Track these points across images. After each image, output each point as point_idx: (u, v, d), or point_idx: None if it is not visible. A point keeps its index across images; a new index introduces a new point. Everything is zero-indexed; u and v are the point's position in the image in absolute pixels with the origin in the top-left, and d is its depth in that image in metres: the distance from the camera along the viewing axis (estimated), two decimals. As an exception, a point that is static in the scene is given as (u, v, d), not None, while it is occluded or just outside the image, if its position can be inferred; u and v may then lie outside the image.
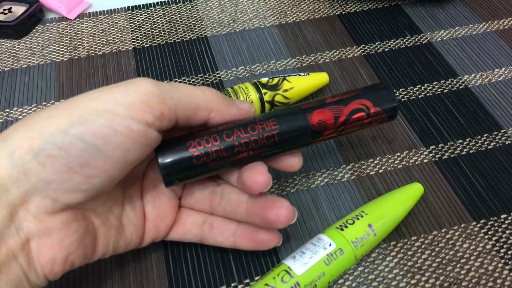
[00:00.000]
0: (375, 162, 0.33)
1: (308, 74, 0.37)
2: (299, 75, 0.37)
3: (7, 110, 0.37)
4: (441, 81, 0.39)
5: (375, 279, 0.28)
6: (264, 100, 0.34)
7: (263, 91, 0.35)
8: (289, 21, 0.45)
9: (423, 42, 0.42)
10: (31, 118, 0.21)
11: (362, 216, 0.28)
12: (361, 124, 0.26)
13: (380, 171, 0.33)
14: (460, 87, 0.39)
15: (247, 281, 0.28)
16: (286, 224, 0.25)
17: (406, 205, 0.29)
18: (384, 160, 0.34)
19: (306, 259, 0.26)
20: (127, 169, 0.22)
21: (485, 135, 0.35)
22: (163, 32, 0.44)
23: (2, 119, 0.36)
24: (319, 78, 0.37)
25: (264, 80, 0.35)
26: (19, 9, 0.43)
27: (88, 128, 0.20)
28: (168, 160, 0.23)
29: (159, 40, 0.43)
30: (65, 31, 0.44)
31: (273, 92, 0.35)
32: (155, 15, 0.45)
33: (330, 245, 0.26)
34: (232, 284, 0.28)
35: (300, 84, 0.36)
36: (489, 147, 0.34)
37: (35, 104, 0.37)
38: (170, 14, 0.46)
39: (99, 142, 0.20)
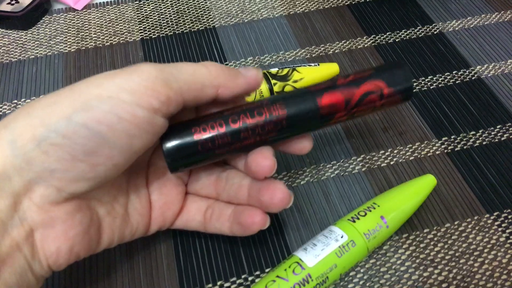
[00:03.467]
0: (386, 153, 0.33)
1: (318, 65, 0.36)
2: (309, 65, 0.36)
3: (15, 101, 0.37)
4: (453, 72, 0.38)
5: (387, 272, 0.27)
6: (273, 91, 0.34)
7: (273, 81, 0.34)
8: (298, 11, 0.44)
9: (435, 32, 0.42)
10: (32, 105, 0.20)
11: (374, 208, 0.27)
12: (373, 106, 0.24)
13: (392, 163, 0.32)
14: (473, 78, 0.38)
15: (257, 273, 0.27)
16: (281, 207, 0.24)
17: (419, 197, 0.29)
18: (395, 151, 0.33)
19: (317, 251, 0.25)
20: (133, 157, 0.22)
21: (498, 127, 0.34)
22: (170, 23, 0.43)
23: (10, 110, 0.36)
24: (329, 69, 0.37)
25: (273, 70, 0.35)
26: (26, 0, 0.43)
27: (91, 115, 0.19)
28: (172, 146, 0.22)
29: (166, 31, 0.42)
30: (72, 22, 0.43)
31: (283, 82, 0.34)
32: (163, 5, 0.45)
33: (342, 237, 0.26)
34: (243, 276, 0.27)
35: (310, 75, 0.35)
36: (502, 138, 0.34)
37: (43, 95, 0.37)
38: (178, 4, 0.45)
39: (104, 130, 0.20)
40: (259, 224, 0.25)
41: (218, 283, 0.27)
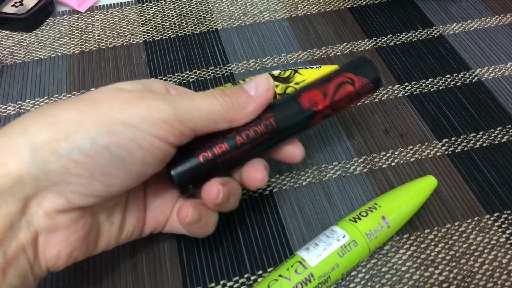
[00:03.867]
0: (388, 155, 0.33)
1: (320, 67, 0.37)
2: (310, 67, 0.36)
3: (19, 102, 0.37)
4: (454, 74, 0.39)
5: (388, 272, 0.28)
6: (275, 93, 0.34)
7: (275, 83, 0.34)
8: (299, 14, 0.45)
9: (435, 35, 0.42)
10: (54, 116, 0.21)
11: (375, 209, 0.28)
12: (350, 95, 0.27)
13: (393, 164, 0.33)
14: (473, 80, 0.38)
15: (260, 272, 0.28)
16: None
17: (420, 198, 0.29)
18: (396, 153, 0.33)
19: (319, 250, 0.26)
20: (142, 181, 0.23)
21: (498, 129, 0.35)
22: (173, 25, 0.44)
23: (15, 111, 0.36)
24: (331, 71, 0.37)
25: (276, 72, 0.35)
26: (30, 2, 0.44)
27: (115, 140, 0.20)
28: (179, 170, 0.23)
29: (169, 33, 0.43)
30: (76, 24, 0.44)
31: (285, 84, 0.35)
32: (166, 8, 0.45)
33: (343, 237, 0.26)
34: (245, 275, 0.28)
35: (312, 77, 0.36)
36: (502, 140, 0.34)
37: (47, 96, 0.37)
38: (181, 7, 0.45)
39: (124, 155, 0.21)
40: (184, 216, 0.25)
41: (221, 282, 0.27)
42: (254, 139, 0.24)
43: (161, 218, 0.26)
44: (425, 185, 0.30)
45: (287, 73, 0.35)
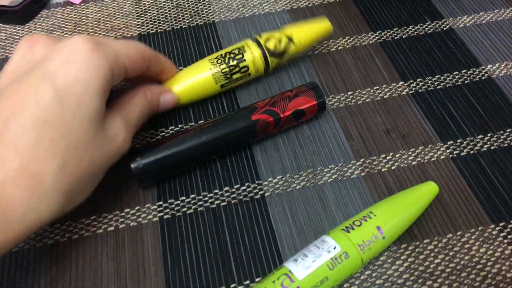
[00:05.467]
0: (388, 157, 0.32)
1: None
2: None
3: (9, 98, 0.36)
4: (462, 71, 0.36)
5: (383, 284, 0.26)
6: (267, 58, 0.34)
7: (270, 59, 0.34)
8: (301, 6, 0.42)
9: (444, 29, 0.40)
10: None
11: (370, 218, 0.26)
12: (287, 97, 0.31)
13: (393, 167, 0.31)
14: (483, 78, 0.36)
15: (247, 282, 0.26)
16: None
17: (419, 206, 0.27)
18: (397, 156, 0.32)
19: (308, 262, 0.24)
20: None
21: (508, 130, 0.33)
22: (169, 17, 0.42)
23: (3, 108, 0.35)
24: (321, 27, 0.36)
25: (270, 44, 0.34)
26: (23, -6, 0.42)
27: None
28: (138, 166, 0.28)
29: (165, 26, 0.41)
30: (70, 16, 0.43)
31: (280, 59, 0.34)
32: (162, -1, 0.44)
33: (334, 248, 0.25)
34: (232, 285, 0.26)
35: (305, 40, 0.35)
36: (512, 143, 0.32)
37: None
38: (178, -2, 0.44)
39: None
40: None
41: (206, 292, 0.26)
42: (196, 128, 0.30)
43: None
44: (425, 193, 0.28)
45: (282, 45, 0.34)
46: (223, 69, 0.33)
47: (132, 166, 0.28)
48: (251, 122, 0.30)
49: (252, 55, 0.33)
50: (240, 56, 0.33)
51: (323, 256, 0.24)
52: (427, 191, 0.28)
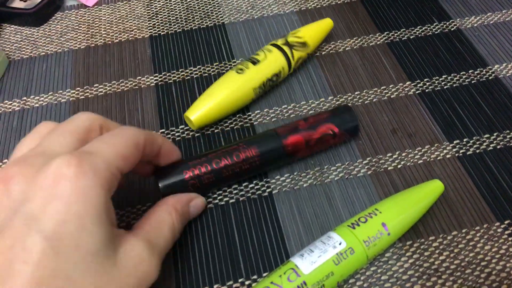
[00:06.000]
0: (394, 156, 0.32)
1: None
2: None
3: (24, 98, 0.37)
4: (469, 71, 0.37)
5: (388, 280, 0.26)
6: (291, 62, 0.36)
7: (286, 50, 0.36)
8: (309, 7, 0.43)
9: (452, 29, 0.40)
10: None
11: (376, 214, 0.26)
12: (328, 145, 0.31)
13: (399, 166, 0.31)
14: (490, 78, 0.36)
15: (254, 277, 0.27)
16: None
17: (424, 204, 0.28)
18: (403, 154, 0.32)
19: (314, 257, 0.25)
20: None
21: (514, 130, 0.33)
22: (180, 19, 0.43)
23: (19, 107, 0.37)
24: (323, 23, 0.38)
25: (285, 47, 0.36)
26: (38, -3, 0.44)
27: None
28: (166, 183, 0.28)
29: (175, 28, 0.42)
30: (83, 18, 0.44)
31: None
32: (173, 1, 0.45)
33: (340, 243, 0.25)
34: (240, 280, 0.27)
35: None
36: (518, 142, 0.32)
37: (51, 93, 0.37)
38: (188, 0, 0.45)
39: None
40: None
41: (215, 286, 0.27)
42: (237, 172, 0.29)
43: None
44: (431, 191, 0.28)
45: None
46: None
47: (160, 185, 0.27)
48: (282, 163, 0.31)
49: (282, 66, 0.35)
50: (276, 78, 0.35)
51: (328, 252, 0.25)
52: (433, 189, 0.28)
